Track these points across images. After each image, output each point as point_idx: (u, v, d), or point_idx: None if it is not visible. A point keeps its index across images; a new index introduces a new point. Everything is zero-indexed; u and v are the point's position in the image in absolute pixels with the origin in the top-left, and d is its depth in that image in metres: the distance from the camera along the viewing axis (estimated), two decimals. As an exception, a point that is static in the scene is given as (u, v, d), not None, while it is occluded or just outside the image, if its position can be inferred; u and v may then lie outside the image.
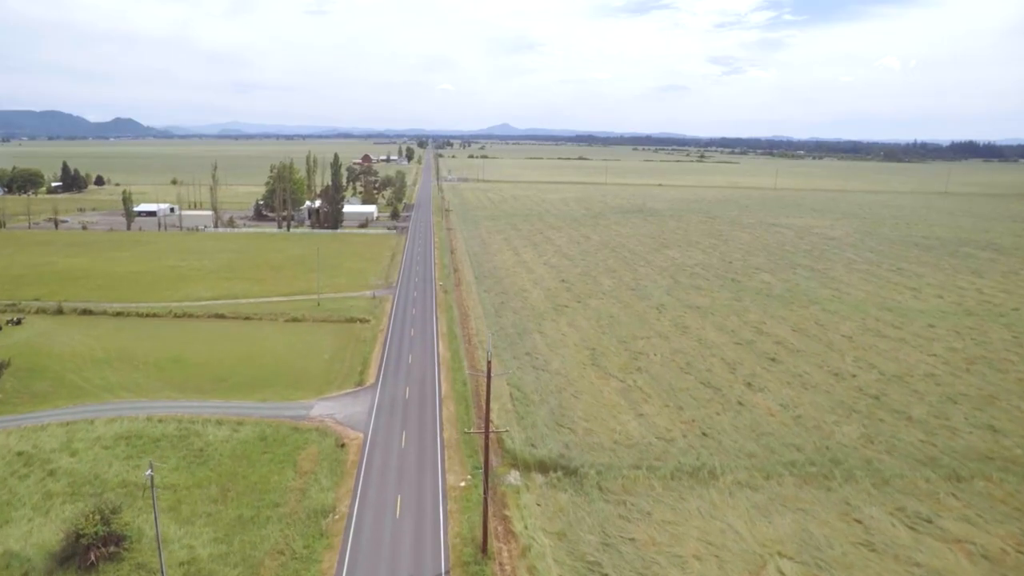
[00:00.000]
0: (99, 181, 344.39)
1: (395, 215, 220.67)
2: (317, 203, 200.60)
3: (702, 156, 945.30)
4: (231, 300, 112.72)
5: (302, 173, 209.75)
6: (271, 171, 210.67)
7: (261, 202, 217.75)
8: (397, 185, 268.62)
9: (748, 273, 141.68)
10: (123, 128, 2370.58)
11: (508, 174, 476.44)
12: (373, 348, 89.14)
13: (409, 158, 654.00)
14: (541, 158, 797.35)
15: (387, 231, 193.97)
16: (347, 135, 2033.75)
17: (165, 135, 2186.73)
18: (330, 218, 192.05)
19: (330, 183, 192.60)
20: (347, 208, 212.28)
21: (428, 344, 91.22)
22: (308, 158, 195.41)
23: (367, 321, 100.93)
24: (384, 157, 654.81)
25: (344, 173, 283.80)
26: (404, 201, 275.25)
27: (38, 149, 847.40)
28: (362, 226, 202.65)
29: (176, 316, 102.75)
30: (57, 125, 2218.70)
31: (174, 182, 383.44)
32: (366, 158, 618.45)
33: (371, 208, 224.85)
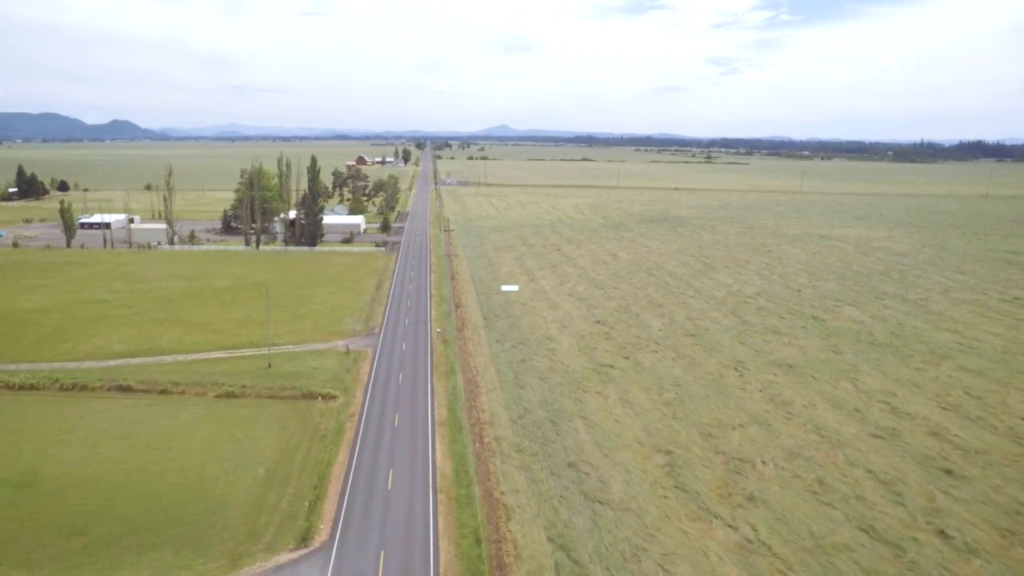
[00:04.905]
0: (63, 187, 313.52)
1: (386, 227, 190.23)
2: (293, 214, 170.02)
3: (709, 157, 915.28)
4: (153, 358, 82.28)
5: (278, 178, 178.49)
6: (241, 176, 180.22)
7: (230, 213, 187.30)
8: (389, 192, 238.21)
9: (827, 307, 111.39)
10: (120, 130, 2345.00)
11: (511, 177, 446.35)
12: (336, 453, 58.75)
13: (406, 160, 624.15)
14: (544, 160, 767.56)
15: (375, 248, 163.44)
16: (345, 136, 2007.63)
17: (162, 137, 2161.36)
18: (307, 233, 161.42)
19: (308, 191, 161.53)
20: (329, 219, 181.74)
21: (420, 444, 60.79)
22: (280, 161, 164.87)
23: (333, 398, 70.49)
24: (379, 159, 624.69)
25: (330, 178, 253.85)
26: (397, 209, 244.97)
27: (24, 152, 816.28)
28: (346, 241, 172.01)
29: (64, 388, 72.30)
30: (54, 127, 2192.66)
31: (148, 188, 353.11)
32: (360, 160, 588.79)
33: (358, 219, 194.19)
